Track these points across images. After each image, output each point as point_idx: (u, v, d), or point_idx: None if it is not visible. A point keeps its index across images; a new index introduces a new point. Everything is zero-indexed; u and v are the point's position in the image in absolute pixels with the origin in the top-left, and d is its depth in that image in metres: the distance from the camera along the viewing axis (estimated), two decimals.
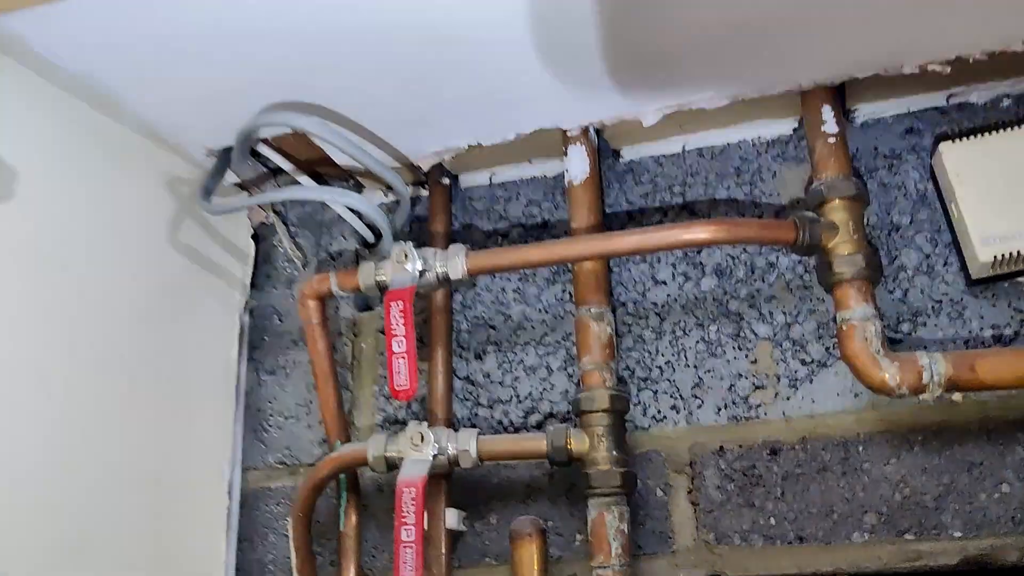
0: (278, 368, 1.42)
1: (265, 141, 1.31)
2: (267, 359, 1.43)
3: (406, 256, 1.13)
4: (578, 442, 1.12)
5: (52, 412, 1.02)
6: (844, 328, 1.06)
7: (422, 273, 1.14)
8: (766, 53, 1.09)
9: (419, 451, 1.12)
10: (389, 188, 1.41)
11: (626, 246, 1.10)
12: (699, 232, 1.08)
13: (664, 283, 1.26)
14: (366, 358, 1.39)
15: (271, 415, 1.40)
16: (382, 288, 1.17)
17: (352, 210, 1.39)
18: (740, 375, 1.20)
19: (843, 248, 1.08)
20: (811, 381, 1.18)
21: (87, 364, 1.08)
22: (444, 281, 1.16)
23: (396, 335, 1.07)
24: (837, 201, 1.10)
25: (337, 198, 1.13)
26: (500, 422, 1.29)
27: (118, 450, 1.11)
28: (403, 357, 1.07)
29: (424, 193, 1.41)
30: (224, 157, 1.31)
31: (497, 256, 1.15)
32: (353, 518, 1.26)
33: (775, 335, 1.21)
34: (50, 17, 0.99)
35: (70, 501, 1.03)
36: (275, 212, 1.46)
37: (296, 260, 1.43)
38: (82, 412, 1.06)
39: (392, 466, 1.15)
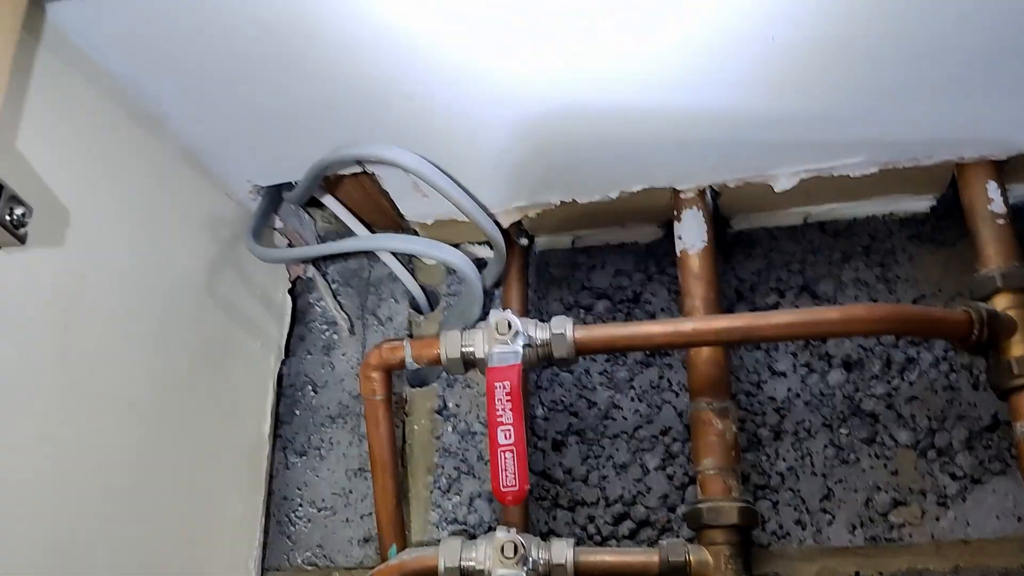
0: (310, 449, 1.20)
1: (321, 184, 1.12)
2: (297, 437, 1.20)
3: (509, 327, 0.94)
4: (699, 562, 0.93)
5: (65, 482, 0.80)
6: None
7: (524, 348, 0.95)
8: (933, 115, 0.94)
9: (510, 566, 0.92)
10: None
11: (775, 329, 0.92)
12: (862, 317, 0.91)
13: (783, 375, 1.09)
14: (419, 443, 1.18)
15: (300, 505, 1.17)
16: (468, 362, 0.97)
17: (413, 271, 1.21)
18: (878, 487, 1.03)
19: (1022, 348, 0.92)
20: (963, 499, 1.00)
21: (113, 432, 0.86)
22: (545, 359, 0.97)
23: (503, 423, 0.87)
24: (1011, 294, 0.94)
25: (432, 251, 0.94)
26: (584, 528, 1.09)
27: (132, 536, 0.89)
28: (511, 450, 0.87)
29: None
30: (272, 196, 1.11)
31: (611, 331, 0.97)
32: None
33: (918, 443, 1.03)
34: (103, 7, 0.81)
35: None
36: (315, 265, 1.26)
37: (341, 322, 1.23)
38: (98, 486, 0.84)
39: None
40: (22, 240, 0.67)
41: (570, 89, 0.90)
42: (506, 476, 0.87)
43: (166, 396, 0.95)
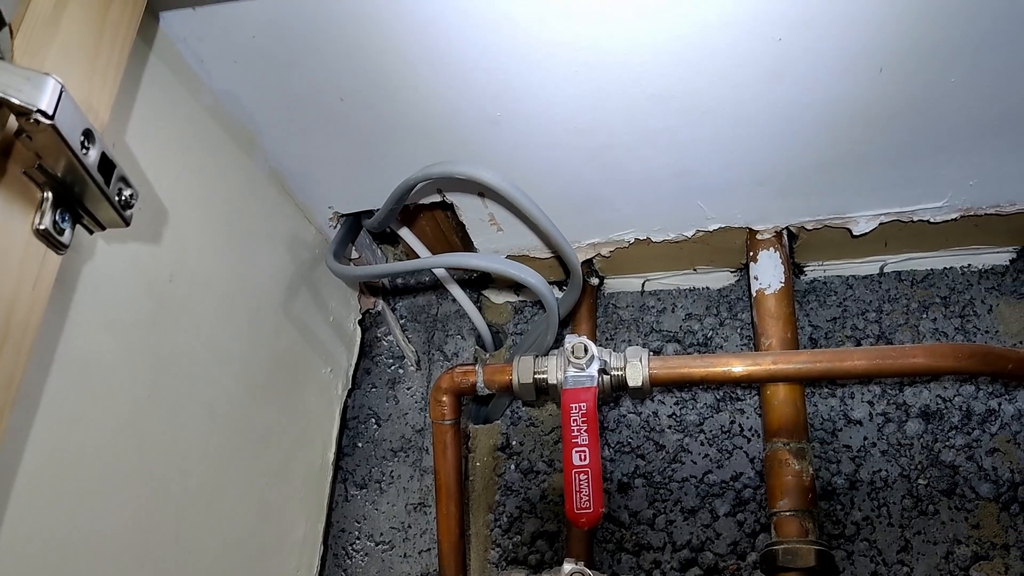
0: (371, 482, 1.18)
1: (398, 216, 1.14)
2: (358, 470, 1.19)
3: (585, 351, 0.93)
4: None
5: (147, 473, 0.79)
6: None
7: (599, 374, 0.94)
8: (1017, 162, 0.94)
9: None
10: (517, 289, 1.24)
11: (858, 366, 0.91)
12: (948, 354, 0.89)
13: (859, 423, 1.06)
14: (481, 480, 1.16)
15: (358, 538, 1.16)
16: (541, 388, 0.97)
17: (476, 304, 1.21)
18: (959, 540, 0.99)
19: None
20: None
21: (193, 434, 0.86)
22: (618, 387, 0.96)
23: (578, 444, 0.86)
24: None
25: (510, 270, 0.93)
26: (649, 573, 1.05)
27: (207, 537, 0.87)
28: (586, 472, 0.85)
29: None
30: (350, 225, 1.13)
31: (688, 362, 0.96)
32: None
33: (1000, 495, 1.00)
34: (210, 24, 0.84)
35: None
36: (385, 300, 1.27)
37: (409, 355, 1.23)
38: (177, 483, 0.83)
39: None
40: (127, 222, 0.69)
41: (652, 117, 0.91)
42: (580, 497, 0.85)
43: (244, 406, 0.94)
